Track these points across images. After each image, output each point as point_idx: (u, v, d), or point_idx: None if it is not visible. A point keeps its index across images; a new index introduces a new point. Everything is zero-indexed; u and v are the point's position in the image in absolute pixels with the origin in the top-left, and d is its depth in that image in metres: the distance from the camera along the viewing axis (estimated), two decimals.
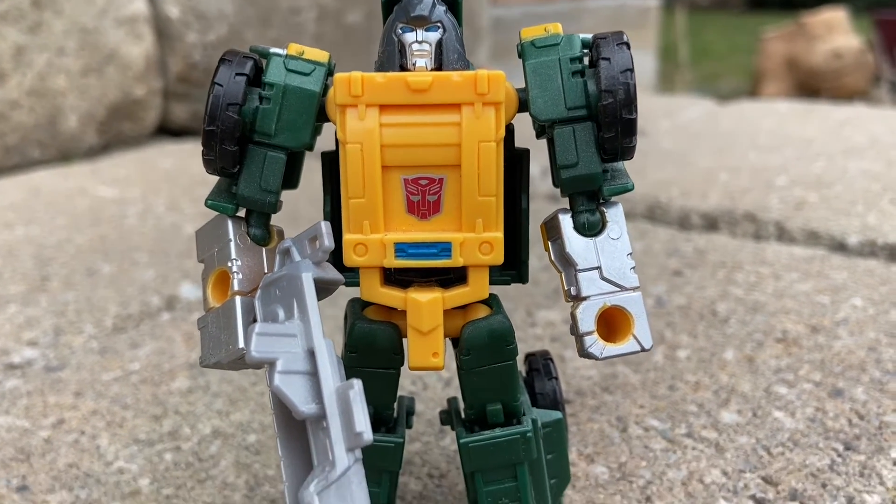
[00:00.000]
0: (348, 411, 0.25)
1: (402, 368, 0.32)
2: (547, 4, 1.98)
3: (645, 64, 2.31)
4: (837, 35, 2.60)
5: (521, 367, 0.38)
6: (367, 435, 0.24)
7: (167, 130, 1.24)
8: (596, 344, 0.29)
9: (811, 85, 2.59)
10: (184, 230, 0.81)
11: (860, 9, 3.67)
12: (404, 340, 0.31)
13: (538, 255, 0.71)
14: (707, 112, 1.32)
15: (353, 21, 1.34)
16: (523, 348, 0.31)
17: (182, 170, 1.05)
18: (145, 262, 0.72)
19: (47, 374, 0.53)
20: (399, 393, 0.33)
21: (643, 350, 0.29)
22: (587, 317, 0.29)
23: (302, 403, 0.25)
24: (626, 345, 0.29)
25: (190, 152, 1.14)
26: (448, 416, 0.35)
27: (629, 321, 0.29)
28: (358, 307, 0.32)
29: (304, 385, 0.25)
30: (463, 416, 0.33)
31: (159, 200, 0.91)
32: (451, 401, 0.35)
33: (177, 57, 1.19)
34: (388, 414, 0.33)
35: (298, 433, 0.26)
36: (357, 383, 0.25)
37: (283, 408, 0.26)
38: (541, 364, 0.36)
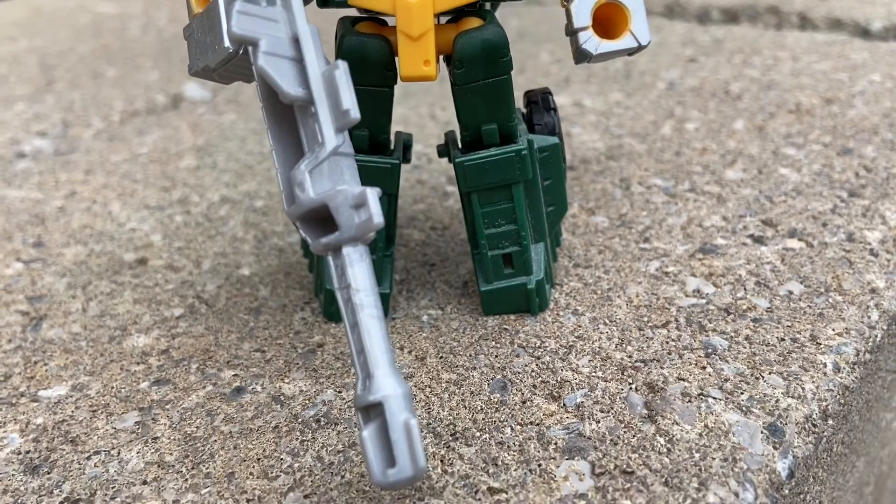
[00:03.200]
0: (335, 92, 0.25)
1: (395, 88, 0.31)
2: None
3: None
4: None
5: (521, 106, 0.38)
6: (354, 112, 0.24)
7: None
8: (591, 40, 0.28)
9: None
10: None
11: None
12: (397, 59, 0.30)
13: (550, 51, 0.69)
14: None
15: None
16: (511, 54, 0.30)
17: None
18: (149, 66, 0.71)
19: (57, 158, 0.53)
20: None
21: (640, 47, 0.28)
22: (582, 10, 0.28)
23: (289, 86, 0.25)
24: (623, 40, 0.28)
25: None
26: (445, 148, 0.35)
27: (626, 16, 0.28)
28: (349, 23, 0.31)
29: (289, 69, 0.25)
30: (460, 144, 0.33)
31: (161, 14, 0.89)
32: (448, 133, 0.35)
33: None
34: (385, 139, 0.33)
35: (288, 125, 0.26)
36: (342, 64, 0.25)
37: (271, 97, 0.26)
38: (539, 97, 0.36)
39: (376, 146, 0.32)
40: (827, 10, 0.72)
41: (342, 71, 0.25)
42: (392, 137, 0.34)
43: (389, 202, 0.33)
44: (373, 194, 0.24)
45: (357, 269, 0.24)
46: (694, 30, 0.72)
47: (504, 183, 0.32)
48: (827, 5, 0.73)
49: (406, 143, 0.35)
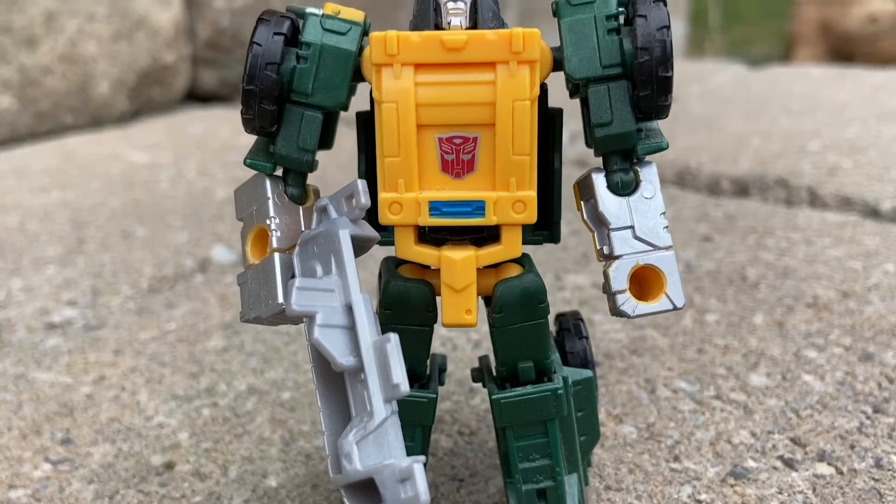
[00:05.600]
0: (385, 363, 0.25)
1: (435, 326, 0.32)
2: None
3: (674, 29, 2.26)
4: None
5: (552, 326, 0.39)
6: (404, 386, 0.25)
7: (196, 96, 1.25)
8: (628, 302, 0.29)
9: (845, 50, 2.52)
10: (215, 194, 0.82)
11: None
12: (438, 298, 0.32)
13: (567, 221, 0.71)
14: (738, 77, 1.29)
15: None
16: (552, 311, 0.32)
17: (212, 135, 1.06)
18: (178, 225, 0.73)
19: (87, 333, 0.54)
20: (431, 352, 0.34)
21: (675, 309, 0.29)
22: (620, 275, 0.29)
23: (340, 356, 0.26)
24: (659, 303, 0.29)
25: (219, 118, 1.15)
26: (480, 374, 0.35)
27: (662, 280, 0.29)
28: (392, 265, 0.32)
29: (342, 338, 0.26)
30: (494, 373, 0.34)
31: (190, 165, 0.92)
32: (483, 358, 0.36)
33: (205, 23, 1.20)
34: (422, 371, 0.33)
35: (337, 386, 0.27)
36: (394, 337, 0.26)
37: (321, 361, 0.27)
38: (571, 324, 0.37)
39: (413, 377, 0.33)
40: (836, 186, 0.74)
41: (393, 344, 0.26)
42: (428, 363, 0.35)
43: (424, 434, 0.33)
44: (419, 469, 0.24)
45: None
46: (706, 203, 0.75)
47: (540, 419, 0.32)
48: (835, 181, 0.76)
49: (441, 367, 0.36)
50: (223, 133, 1.06)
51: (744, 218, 0.70)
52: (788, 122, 0.99)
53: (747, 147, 0.88)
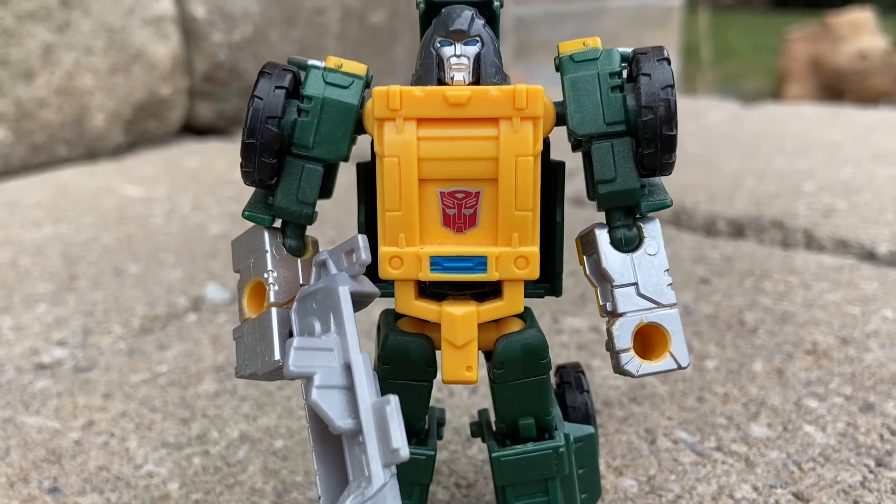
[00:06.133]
0: (384, 427, 0.25)
1: (433, 380, 0.32)
2: (568, 4, 1.97)
3: None
4: (863, 35, 2.56)
5: (552, 379, 0.38)
6: (404, 451, 0.24)
7: (192, 129, 1.25)
8: (632, 361, 0.28)
9: (835, 86, 2.55)
10: (209, 230, 0.81)
11: (887, 9, 3.61)
12: (437, 352, 0.31)
13: (563, 260, 0.71)
14: (732, 115, 1.30)
15: (376, 21, 1.34)
16: (550, 355, 0.31)
17: (207, 169, 1.05)
18: (171, 262, 0.73)
19: (76, 375, 0.53)
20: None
21: (680, 368, 0.29)
22: (624, 334, 0.28)
23: (338, 418, 0.25)
24: (663, 362, 0.29)
25: (215, 151, 1.15)
26: (479, 428, 0.35)
27: (666, 338, 0.29)
28: (391, 319, 0.32)
29: (340, 400, 0.26)
30: (494, 428, 0.33)
31: (185, 200, 0.91)
32: (482, 412, 0.35)
33: (202, 56, 1.20)
34: (420, 426, 0.33)
35: (334, 447, 0.26)
36: (393, 399, 0.25)
37: (318, 422, 0.26)
38: (572, 377, 0.36)
39: (411, 432, 0.32)
40: (831, 228, 0.74)
41: (393, 407, 0.25)
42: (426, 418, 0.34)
43: (421, 492, 0.33)
44: None
45: None
46: (703, 244, 0.75)
47: (541, 478, 0.32)
48: (831, 223, 0.76)
49: (439, 421, 0.35)
50: (219, 166, 1.06)
51: (741, 260, 0.70)
52: (783, 161, 0.99)
53: (742, 187, 0.89)
